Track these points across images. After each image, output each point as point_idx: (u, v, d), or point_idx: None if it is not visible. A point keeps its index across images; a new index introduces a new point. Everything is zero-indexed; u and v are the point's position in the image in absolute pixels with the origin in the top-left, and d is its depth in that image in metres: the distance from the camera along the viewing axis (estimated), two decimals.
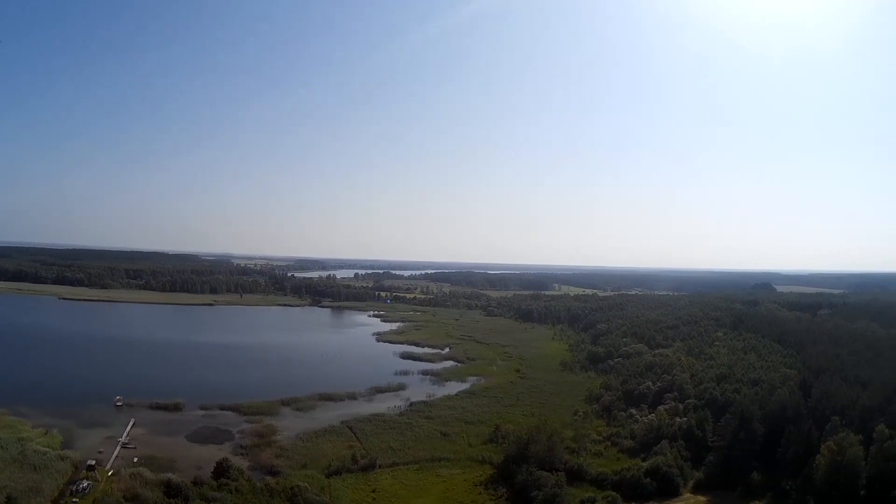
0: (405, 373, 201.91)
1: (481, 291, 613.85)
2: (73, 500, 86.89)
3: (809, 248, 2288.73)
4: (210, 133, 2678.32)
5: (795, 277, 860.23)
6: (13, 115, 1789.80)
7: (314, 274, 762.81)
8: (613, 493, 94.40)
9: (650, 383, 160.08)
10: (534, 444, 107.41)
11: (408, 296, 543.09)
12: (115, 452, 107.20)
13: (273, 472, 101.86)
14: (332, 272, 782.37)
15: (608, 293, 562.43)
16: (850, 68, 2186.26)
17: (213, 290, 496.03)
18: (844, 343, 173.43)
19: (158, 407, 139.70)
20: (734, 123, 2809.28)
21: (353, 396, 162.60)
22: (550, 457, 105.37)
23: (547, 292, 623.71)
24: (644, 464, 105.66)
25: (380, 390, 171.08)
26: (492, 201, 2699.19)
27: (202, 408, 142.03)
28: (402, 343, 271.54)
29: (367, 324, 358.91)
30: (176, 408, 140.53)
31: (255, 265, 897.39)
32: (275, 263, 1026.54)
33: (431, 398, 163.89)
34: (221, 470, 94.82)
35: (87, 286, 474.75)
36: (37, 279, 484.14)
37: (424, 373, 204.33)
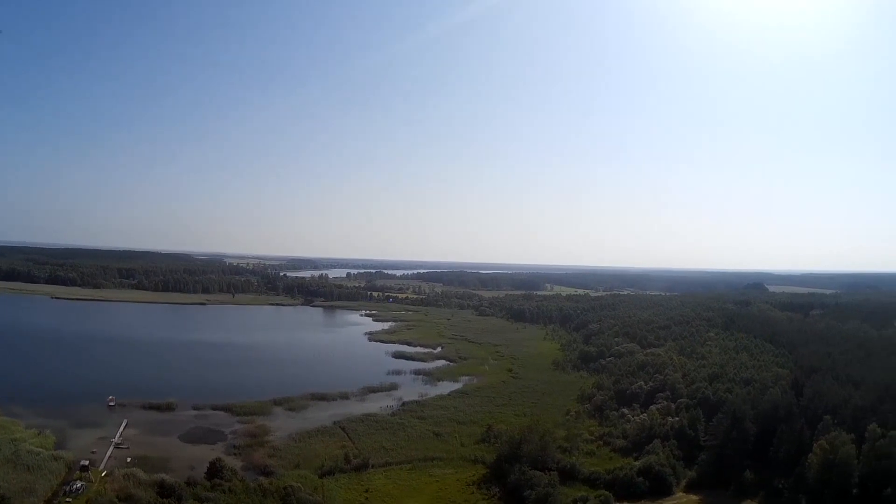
0: (397, 372, 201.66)
1: (473, 291, 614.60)
2: (67, 500, 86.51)
3: (805, 248, 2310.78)
4: (203, 133, 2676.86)
5: (788, 278, 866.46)
6: (5, 115, 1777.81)
7: (306, 273, 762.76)
8: (606, 493, 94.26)
9: (642, 383, 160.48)
10: (526, 443, 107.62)
11: (400, 295, 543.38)
12: (109, 453, 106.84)
13: (266, 472, 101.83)
14: (324, 272, 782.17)
15: (600, 293, 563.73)
16: (849, 68, 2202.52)
17: (206, 290, 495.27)
18: (836, 343, 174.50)
19: (151, 407, 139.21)
20: (729, 124, 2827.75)
21: (345, 396, 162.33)
22: (543, 456, 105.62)
23: (539, 292, 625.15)
24: (637, 463, 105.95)
25: (372, 390, 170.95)
26: (484, 201, 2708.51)
27: (195, 408, 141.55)
28: (394, 342, 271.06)
29: (358, 323, 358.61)
30: (168, 408, 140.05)
31: (248, 265, 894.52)
32: (267, 263, 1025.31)
33: (424, 398, 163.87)
34: (215, 470, 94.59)
35: (79, 285, 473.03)
36: (30, 278, 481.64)
37: (416, 372, 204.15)
